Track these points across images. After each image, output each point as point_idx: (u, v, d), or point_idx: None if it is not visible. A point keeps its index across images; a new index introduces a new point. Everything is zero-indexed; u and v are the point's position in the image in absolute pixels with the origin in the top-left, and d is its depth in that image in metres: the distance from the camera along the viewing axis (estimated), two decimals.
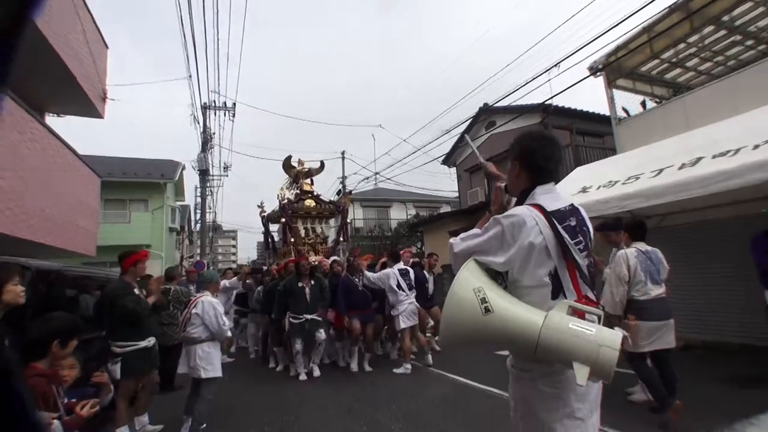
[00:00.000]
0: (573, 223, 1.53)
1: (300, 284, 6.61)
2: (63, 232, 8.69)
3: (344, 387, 5.88)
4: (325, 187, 29.84)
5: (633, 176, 5.30)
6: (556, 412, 1.42)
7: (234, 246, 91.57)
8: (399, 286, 6.49)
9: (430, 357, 6.60)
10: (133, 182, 19.35)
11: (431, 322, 7.48)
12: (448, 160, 19.08)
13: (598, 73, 8.79)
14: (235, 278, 8.21)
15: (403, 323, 6.38)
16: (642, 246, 4.18)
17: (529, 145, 1.66)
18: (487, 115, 15.55)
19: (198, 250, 21.67)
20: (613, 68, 8.64)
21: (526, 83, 10.08)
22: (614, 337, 1.24)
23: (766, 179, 3.70)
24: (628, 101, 9.01)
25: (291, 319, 6.44)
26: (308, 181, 11.60)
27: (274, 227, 12.38)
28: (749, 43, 8.06)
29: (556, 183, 1.68)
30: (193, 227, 30.37)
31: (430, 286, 7.67)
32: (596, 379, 1.27)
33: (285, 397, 5.53)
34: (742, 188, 4.01)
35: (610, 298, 4.05)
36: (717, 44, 8.07)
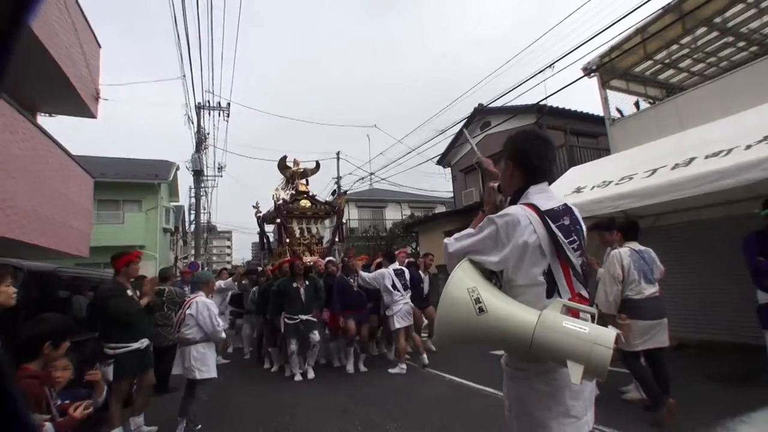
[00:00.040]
0: (566, 222, 1.54)
1: (294, 285, 6.60)
2: (55, 232, 8.62)
3: (339, 387, 5.87)
4: (320, 187, 29.82)
5: (627, 176, 5.33)
6: (550, 410, 1.43)
7: (229, 247, 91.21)
8: (394, 286, 6.49)
9: (425, 357, 6.61)
10: (126, 183, 19.21)
11: (426, 322, 7.48)
12: (443, 160, 19.11)
13: (592, 74, 8.84)
14: (230, 279, 8.18)
15: (398, 323, 6.38)
16: (635, 245, 4.21)
17: (523, 145, 1.67)
18: (482, 115, 15.58)
19: (192, 251, 21.61)
20: (607, 69, 8.69)
21: (521, 84, 10.14)
22: (608, 335, 1.24)
23: (757, 179, 3.73)
24: (622, 102, 9.08)
25: (286, 320, 6.43)
26: (303, 181, 11.57)
27: (269, 228, 12.34)
28: (741, 44, 8.13)
29: (550, 183, 1.69)
30: (187, 228, 30.25)
31: (426, 286, 7.67)
32: (590, 377, 1.28)
33: (280, 398, 5.52)
34: (734, 188, 4.04)
35: (603, 297, 4.07)
36: (709, 45, 8.14)
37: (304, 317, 6.42)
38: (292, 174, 11.46)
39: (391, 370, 6.40)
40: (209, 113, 18.59)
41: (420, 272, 7.64)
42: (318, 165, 12.15)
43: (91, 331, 4.42)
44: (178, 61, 14.58)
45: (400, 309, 6.41)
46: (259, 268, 9.86)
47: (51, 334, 2.32)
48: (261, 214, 11.51)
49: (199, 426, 4.15)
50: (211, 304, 4.37)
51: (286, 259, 8.24)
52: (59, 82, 8.76)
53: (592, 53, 8.68)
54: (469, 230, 1.64)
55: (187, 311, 4.26)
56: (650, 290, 4.05)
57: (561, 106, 13.06)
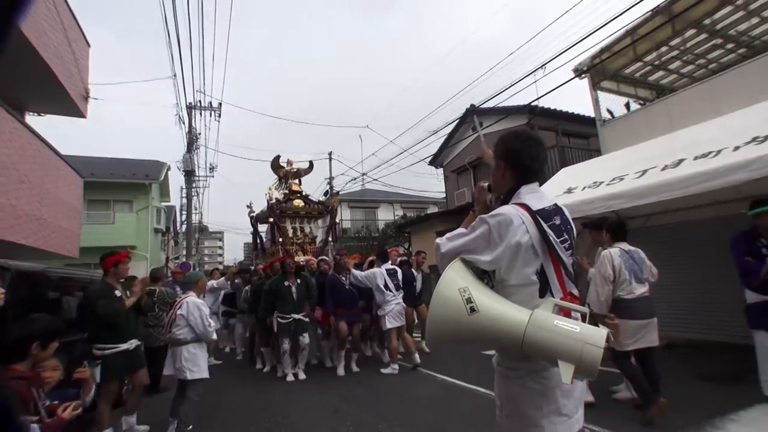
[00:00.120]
0: (558, 222, 1.55)
1: (286, 283, 6.57)
2: (45, 232, 8.52)
3: (331, 387, 5.86)
4: (313, 187, 29.79)
5: (617, 177, 5.37)
6: (542, 409, 1.43)
7: (220, 247, 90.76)
8: (386, 286, 6.48)
9: (417, 357, 6.61)
10: (117, 183, 19.04)
11: (417, 321, 7.49)
12: (435, 161, 19.12)
13: (583, 75, 8.89)
14: (223, 278, 8.13)
15: (390, 323, 6.38)
16: (624, 246, 4.24)
17: (514, 145, 1.67)
18: (474, 115, 15.62)
19: (184, 252, 21.44)
20: (598, 70, 8.75)
21: (512, 84, 10.17)
22: (598, 334, 1.25)
23: (745, 180, 3.78)
24: (613, 103, 9.13)
25: (278, 319, 6.40)
26: (297, 181, 11.54)
27: (262, 227, 12.29)
28: (730, 46, 8.21)
29: (541, 183, 1.69)
30: (178, 228, 30.01)
31: (418, 284, 7.68)
32: (581, 377, 1.28)
33: (272, 398, 5.50)
34: (722, 189, 4.09)
35: (595, 297, 4.09)
36: (699, 47, 8.21)
37: (296, 316, 6.41)
38: (285, 174, 11.43)
39: (383, 370, 6.40)
40: (200, 113, 18.45)
41: (413, 270, 7.64)
42: (311, 165, 12.12)
43: (80, 332, 4.38)
44: (169, 61, 14.46)
45: (392, 309, 6.41)
46: (252, 268, 9.81)
47: (39, 335, 2.30)
48: (254, 214, 11.47)
49: (191, 426, 4.13)
50: (202, 304, 4.34)
51: (278, 257, 8.20)
52: (48, 81, 8.66)
53: (583, 55, 8.75)
54: (461, 230, 1.64)
55: (178, 312, 4.23)
56: (641, 290, 4.09)
57: (552, 107, 13.13)
